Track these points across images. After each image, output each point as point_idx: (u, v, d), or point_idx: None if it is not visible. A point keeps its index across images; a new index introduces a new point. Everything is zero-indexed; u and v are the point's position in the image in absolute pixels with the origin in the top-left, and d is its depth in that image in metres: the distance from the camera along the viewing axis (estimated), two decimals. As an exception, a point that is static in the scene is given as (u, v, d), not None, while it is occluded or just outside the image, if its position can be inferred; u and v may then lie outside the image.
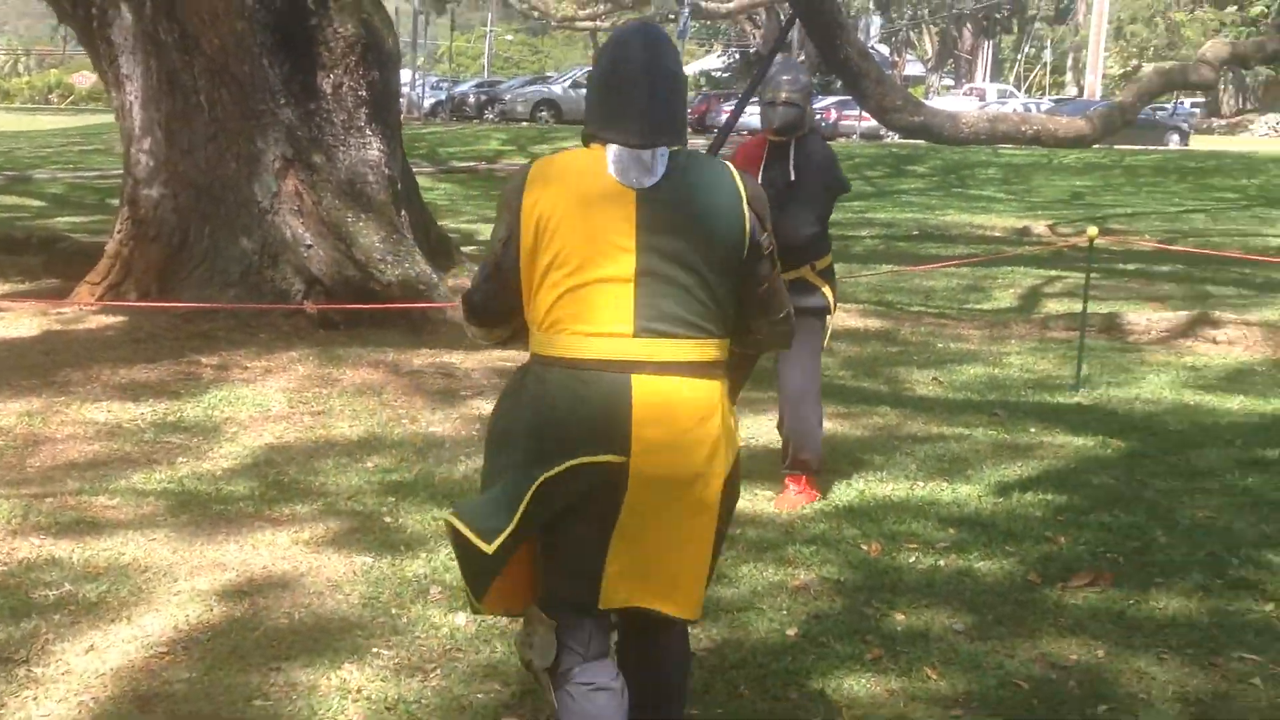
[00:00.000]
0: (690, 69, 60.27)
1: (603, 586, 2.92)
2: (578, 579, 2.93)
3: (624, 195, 2.89)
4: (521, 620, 3.05)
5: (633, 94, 2.94)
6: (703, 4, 46.79)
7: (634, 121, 2.93)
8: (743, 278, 2.97)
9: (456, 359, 8.02)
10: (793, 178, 5.50)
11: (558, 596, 2.98)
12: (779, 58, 5.87)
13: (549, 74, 55.04)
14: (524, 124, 38.68)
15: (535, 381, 2.92)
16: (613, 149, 2.92)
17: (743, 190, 2.97)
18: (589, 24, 52.09)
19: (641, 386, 2.84)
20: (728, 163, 3.05)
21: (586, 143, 3.02)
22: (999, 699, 3.82)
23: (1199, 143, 41.09)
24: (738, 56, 66.20)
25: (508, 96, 42.99)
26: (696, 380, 2.90)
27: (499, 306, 3.07)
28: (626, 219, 2.88)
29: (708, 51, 71.44)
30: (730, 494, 3.00)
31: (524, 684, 3.83)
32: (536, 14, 49.98)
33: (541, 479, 2.83)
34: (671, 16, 45.67)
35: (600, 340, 2.85)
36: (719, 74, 69.01)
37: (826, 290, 5.65)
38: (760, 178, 5.45)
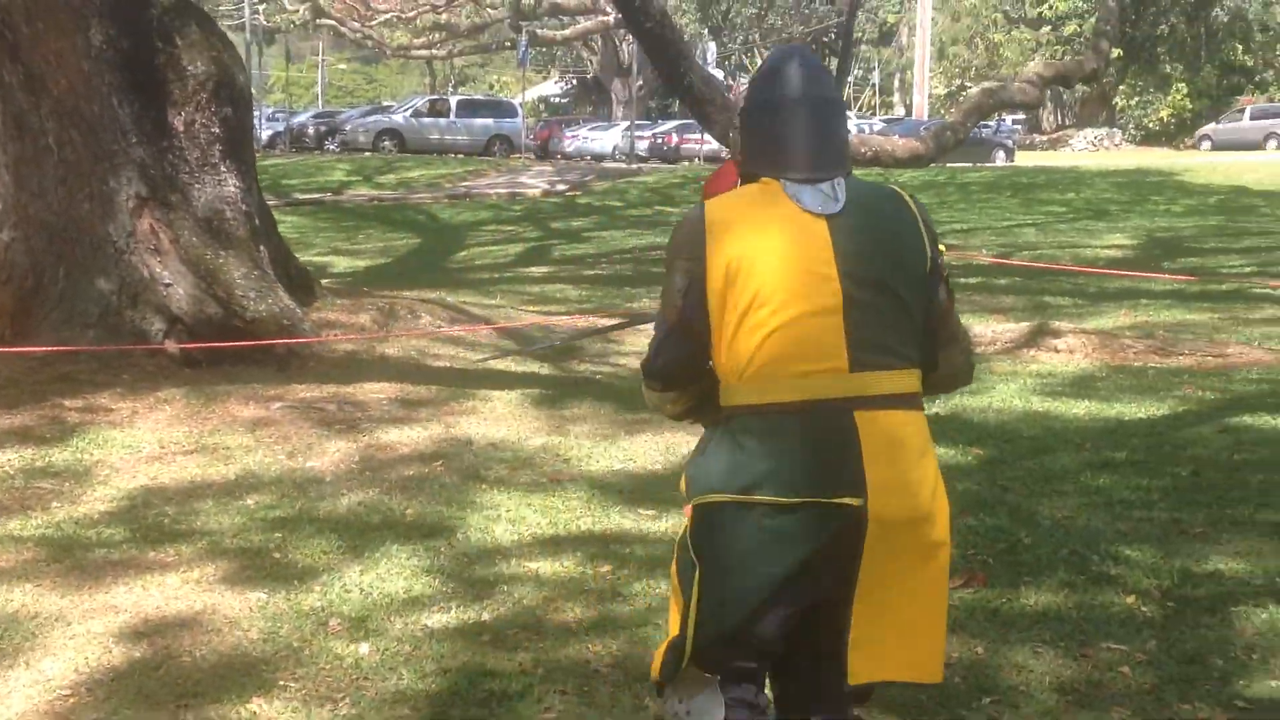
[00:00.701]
0: (529, 95, 60.43)
1: (849, 656, 2.75)
2: (765, 651, 2.80)
3: (815, 222, 2.76)
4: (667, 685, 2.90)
5: (799, 127, 2.83)
6: (539, 32, 47.12)
7: (805, 156, 2.81)
8: (929, 301, 2.83)
9: (328, 392, 8.00)
10: None
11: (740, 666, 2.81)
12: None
13: (388, 103, 54.62)
14: (366, 154, 38.35)
15: (746, 433, 2.73)
16: (789, 184, 2.80)
17: (916, 210, 2.86)
18: (424, 52, 51.97)
19: (865, 424, 2.69)
20: (894, 186, 2.95)
21: (749, 181, 2.89)
22: (891, 698, 3.99)
23: (1024, 158, 42.77)
24: (575, 82, 66.68)
25: (348, 127, 42.57)
26: (911, 413, 2.78)
27: (688, 366, 2.89)
28: (824, 246, 2.74)
29: (545, 78, 71.74)
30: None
31: (435, 709, 3.90)
32: (370, 43, 49.65)
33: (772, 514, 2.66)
34: (509, 44, 45.83)
35: (817, 378, 2.70)
36: (557, 100, 69.41)
37: None
38: None
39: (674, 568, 2.90)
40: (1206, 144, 47.45)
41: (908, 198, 2.88)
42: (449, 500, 6.04)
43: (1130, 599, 4.77)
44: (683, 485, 2.92)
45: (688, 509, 2.86)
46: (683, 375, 2.92)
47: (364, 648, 4.34)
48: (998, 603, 4.75)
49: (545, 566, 5.17)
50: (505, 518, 5.80)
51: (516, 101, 46.28)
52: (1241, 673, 4.14)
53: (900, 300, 2.77)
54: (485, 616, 4.66)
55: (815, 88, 2.88)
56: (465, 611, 4.70)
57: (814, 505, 2.68)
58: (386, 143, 40.55)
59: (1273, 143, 44.88)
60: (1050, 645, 4.38)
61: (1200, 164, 35.52)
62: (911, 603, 2.76)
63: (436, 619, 4.63)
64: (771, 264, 2.72)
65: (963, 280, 14.43)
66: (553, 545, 5.44)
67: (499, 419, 7.64)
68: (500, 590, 4.92)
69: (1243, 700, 3.95)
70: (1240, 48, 52.61)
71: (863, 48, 67.13)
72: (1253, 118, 47.53)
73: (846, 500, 2.66)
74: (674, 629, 2.90)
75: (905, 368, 2.77)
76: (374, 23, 46.73)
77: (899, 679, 2.83)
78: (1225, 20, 52.57)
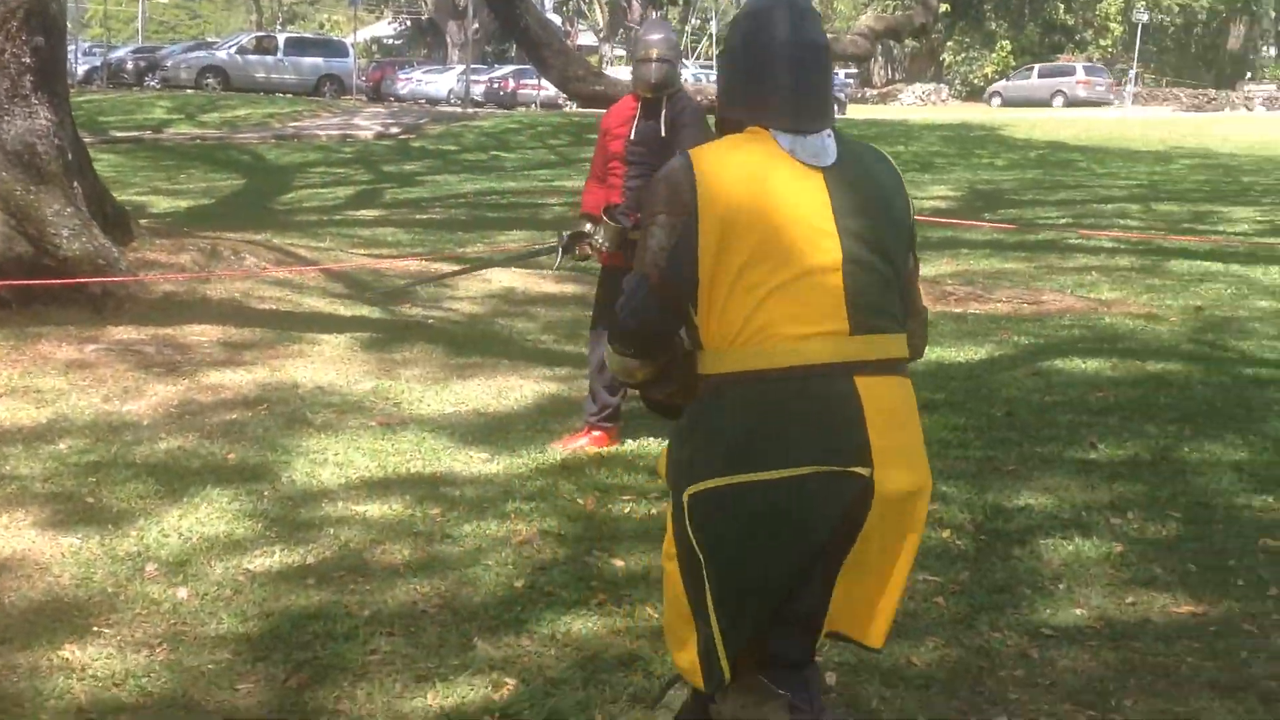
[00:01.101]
0: (361, 35, 59.06)
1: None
2: (807, 626, 2.62)
3: (812, 174, 2.60)
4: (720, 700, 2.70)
5: (790, 74, 2.65)
6: (372, -31, 46.05)
7: (796, 105, 2.64)
8: (904, 266, 2.71)
9: (146, 334, 7.73)
10: (663, 134, 5.65)
11: (784, 655, 2.64)
12: (647, 18, 6.24)
13: (212, 40, 52.77)
14: (189, 91, 37.01)
15: (739, 404, 2.53)
16: (780, 134, 2.63)
17: (898, 170, 2.76)
18: (252, -12, 50.28)
19: (867, 390, 2.53)
20: (873, 145, 2.81)
21: (732, 128, 2.72)
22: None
23: (855, 112, 43.50)
24: (409, 23, 65.42)
25: (170, 63, 40.97)
26: (905, 379, 2.65)
27: (664, 327, 2.67)
28: (822, 201, 2.57)
29: (378, 18, 70.22)
30: None
31: (257, 652, 3.83)
32: (197, -23, 47.88)
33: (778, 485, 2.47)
34: (340, -19, 44.62)
35: (818, 341, 2.52)
36: (391, 41, 68.03)
37: None
38: (633, 135, 5.74)
39: (672, 566, 2.71)
40: (997, 100, 49.40)
41: (888, 156, 2.79)
42: (273, 444, 5.91)
43: (946, 533, 4.93)
44: (663, 468, 2.75)
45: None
46: (660, 340, 2.70)
47: (182, 592, 4.23)
48: (821, 539, 4.85)
49: (372, 509, 5.11)
50: (332, 461, 5.70)
51: (348, 41, 45.20)
52: (1048, 601, 4.32)
53: (891, 261, 2.64)
54: (310, 559, 4.58)
55: (806, 32, 2.70)
56: (289, 555, 4.61)
57: (825, 476, 2.50)
58: (210, 80, 39.19)
59: (1059, 100, 46.95)
60: (870, 579, 4.50)
61: (1020, 119, 36.63)
62: (889, 569, 2.64)
63: (259, 562, 4.54)
64: (769, 219, 2.54)
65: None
66: (381, 488, 5.38)
67: (327, 363, 7.50)
68: (325, 533, 4.84)
69: (1049, 628, 4.13)
70: (1062, 7, 54.30)
71: (699, -3, 67.28)
72: (1040, 76, 49.69)
73: (857, 470, 2.51)
74: (685, 633, 2.70)
75: (899, 332, 2.64)
76: (198, -44, 45.04)
77: (854, 637, 2.70)
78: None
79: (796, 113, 2.65)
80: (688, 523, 2.63)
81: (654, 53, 5.69)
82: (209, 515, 4.97)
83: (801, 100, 2.66)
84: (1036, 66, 50.68)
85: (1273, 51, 57.30)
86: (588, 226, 5.91)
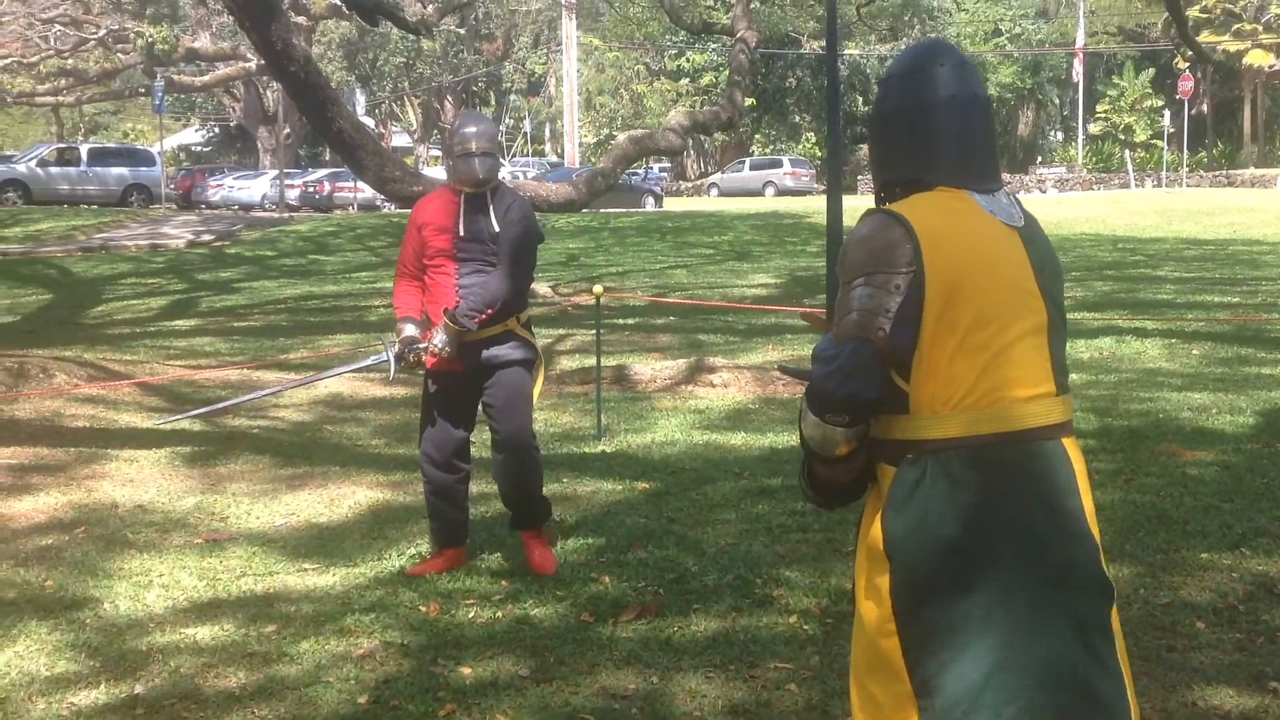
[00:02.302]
0: (168, 143, 57.97)
1: None
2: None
3: (1013, 236, 2.62)
4: None
5: (959, 129, 2.65)
6: (176, 78, 45.26)
7: (974, 161, 2.65)
8: None
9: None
10: (496, 229, 5.46)
11: None
12: (460, 112, 6.01)
13: (9, 152, 51.11)
14: (-12, 206, 35.70)
15: (973, 471, 2.50)
16: (974, 194, 2.63)
17: None
18: (50, 99, 48.96)
19: (1072, 451, 2.58)
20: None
21: (910, 188, 2.66)
22: (571, 734, 3.99)
23: (672, 204, 44.31)
24: (217, 130, 64.46)
25: (-34, 178, 39.53)
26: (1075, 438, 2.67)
27: (879, 394, 2.55)
28: (1024, 261, 2.60)
29: (185, 125, 69.03)
30: None
31: None
32: (-10, 89, 46.40)
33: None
34: (143, 90, 43.87)
35: (1038, 403, 2.54)
36: (199, 148, 66.91)
37: (533, 340, 5.67)
38: (462, 231, 5.45)
39: (891, 645, 2.58)
40: (714, 190, 53.14)
41: None
42: (93, 569, 5.63)
43: (793, 619, 4.94)
44: (880, 539, 2.61)
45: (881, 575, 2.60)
46: (877, 404, 2.57)
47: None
48: (669, 631, 4.82)
49: (203, 632, 4.88)
50: (158, 583, 5.45)
51: (154, 150, 44.23)
52: (898, 680, 4.35)
53: (1065, 319, 2.69)
54: (139, 689, 4.34)
55: (973, 86, 2.69)
56: (116, 686, 4.37)
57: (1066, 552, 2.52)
58: (10, 194, 37.91)
59: (770, 190, 50.15)
60: (720, 669, 4.47)
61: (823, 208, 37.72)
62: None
63: (84, 696, 4.28)
64: (990, 278, 2.54)
65: (620, 321, 14.75)
66: (210, 609, 5.15)
67: (146, 480, 7.20)
68: (154, 660, 4.60)
69: (900, 707, 4.14)
70: (860, 99, 56.39)
71: (512, 97, 68.06)
72: (752, 169, 53.20)
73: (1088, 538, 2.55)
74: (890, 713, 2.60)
75: (1070, 392, 2.69)
76: (-7, 67, 43.70)
77: None
78: (846, 74, 56.32)
79: (983, 171, 2.67)
80: (920, 598, 2.55)
81: (476, 145, 5.44)
82: (28, 649, 4.68)
83: (984, 158, 2.69)
84: (748, 160, 54.52)
85: (1060, 136, 60.50)
86: (410, 330, 5.56)
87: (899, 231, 2.56)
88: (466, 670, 4.48)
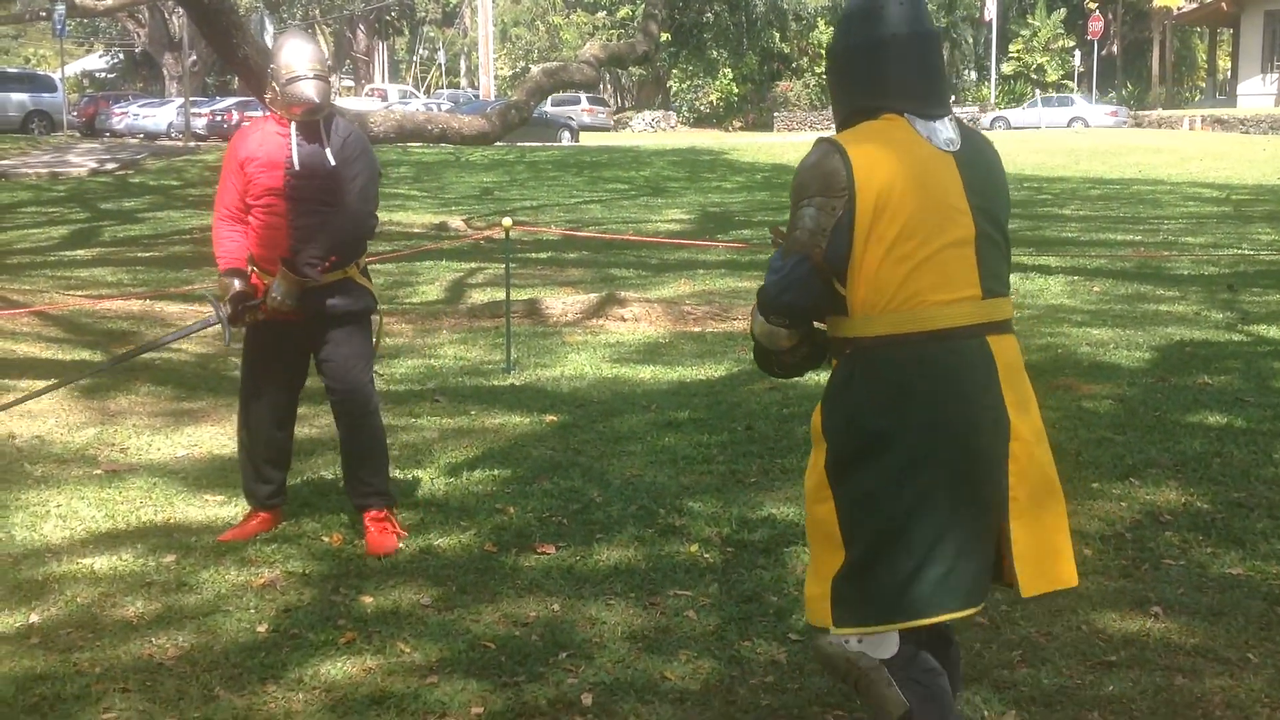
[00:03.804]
0: (71, 69, 56.31)
1: (1018, 569, 2.93)
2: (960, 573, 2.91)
3: (946, 159, 2.94)
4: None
5: (916, 63, 2.96)
6: (78, 1, 43.92)
7: (926, 92, 2.97)
8: None
9: None
10: (333, 163, 4.87)
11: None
12: (284, 36, 5.04)
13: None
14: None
15: (893, 367, 2.87)
16: (914, 120, 2.94)
17: (999, 155, 3.10)
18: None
19: (996, 347, 2.92)
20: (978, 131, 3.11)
21: (860, 116, 2.98)
22: (470, 661, 4.02)
23: (587, 139, 44.03)
24: (122, 56, 62.78)
25: None
26: (1014, 337, 3.02)
27: (819, 300, 2.96)
28: (955, 182, 2.92)
29: (88, 51, 67.13)
30: None
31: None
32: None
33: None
34: (44, 14, 42.53)
35: (958, 305, 2.88)
36: (103, 74, 65.14)
37: (371, 288, 5.16)
38: (296, 165, 4.85)
39: (826, 510, 3.00)
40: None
41: (992, 143, 3.11)
42: (-11, 499, 5.54)
43: (694, 547, 5.00)
44: (818, 422, 3.03)
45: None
46: (812, 310, 3.00)
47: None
48: (572, 561, 4.86)
49: (102, 562, 4.84)
50: (55, 514, 5.38)
51: (56, 76, 43.00)
52: (794, 608, 4.42)
53: (1004, 234, 3.02)
54: (34, 619, 4.30)
55: (923, 23, 2.99)
56: (10, 615, 4.32)
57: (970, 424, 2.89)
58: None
59: (565, 135, 50.00)
60: (622, 597, 4.53)
61: (745, 144, 37.81)
62: (1054, 518, 3.00)
63: (-24, 626, 4.23)
64: (916, 197, 2.86)
65: (533, 255, 14.69)
66: (110, 539, 5.10)
67: (44, 411, 7.08)
68: (51, 590, 4.56)
69: (795, 633, 4.22)
70: (778, 35, 56.30)
71: (426, 28, 67.05)
72: (553, 105, 52.29)
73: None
74: (828, 569, 3.00)
75: (1009, 295, 3.02)
76: (-116, -14, 42.06)
77: (1054, 589, 3.03)
78: (762, 10, 56.15)
79: (925, 99, 2.97)
80: (851, 464, 2.96)
81: (308, 67, 4.81)
82: (-83, 580, 4.61)
83: (928, 87, 2.99)
84: (550, 100, 53.99)
85: (974, 75, 60.89)
86: (238, 284, 4.94)
87: (837, 159, 2.90)
88: (368, 599, 4.49)
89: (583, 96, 51.98)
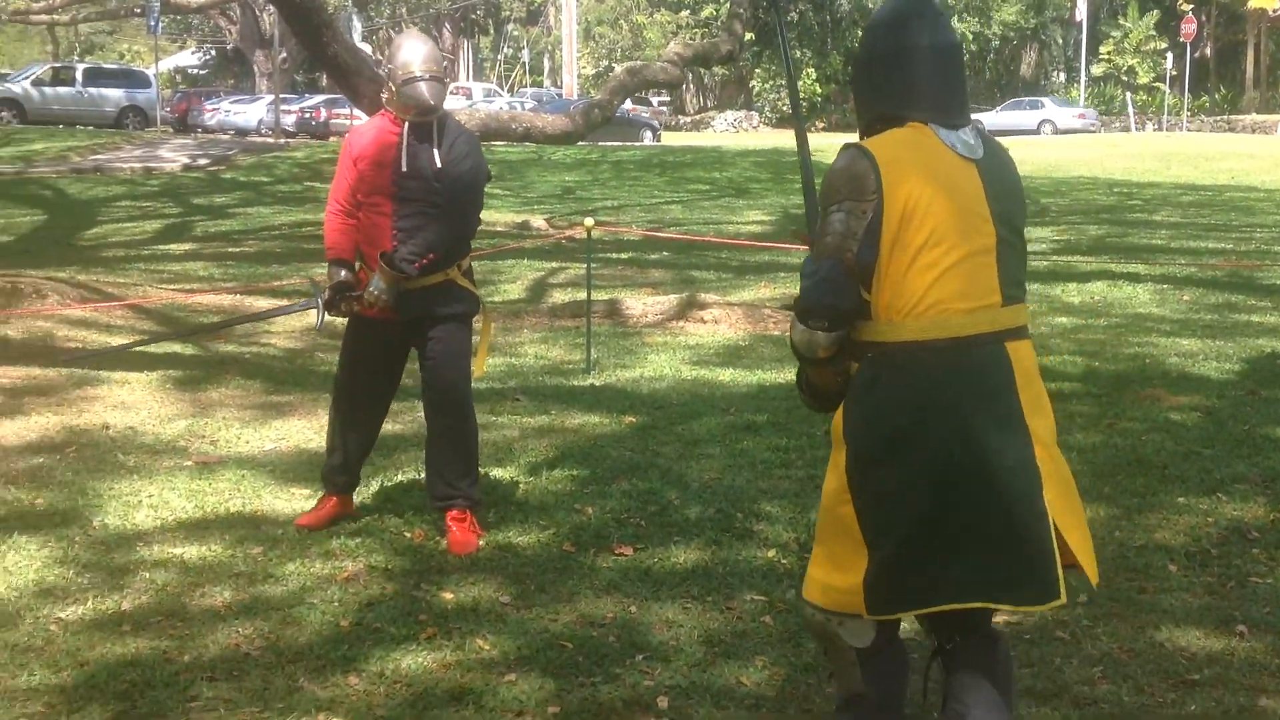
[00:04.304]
0: (164, 65, 57.42)
1: (1084, 565, 3.07)
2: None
3: (969, 167, 3.02)
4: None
5: (941, 73, 3.06)
6: (172, -1, 44.78)
7: (950, 102, 3.06)
8: None
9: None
10: (439, 165, 4.93)
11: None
12: (402, 36, 5.20)
13: (4, 71, 50.65)
14: (-18, 124, 35.47)
15: (916, 372, 2.95)
16: (937, 128, 3.02)
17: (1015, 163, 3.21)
18: (45, 17, 48.50)
19: (1014, 353, 3.00)
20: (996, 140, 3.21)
21: (885, 124, 3.06)
22: (547, 660, 4.06)
23: (670, 139, 44.06)
24: (214, 53, 63.87)
25: (-40, 96, 39.22)
26: (1030, 341, 3.11)
27: (856, 302, 3.00)
28: (978, 190, 3.00)
29: (181, 47, 68.37)
30: None
31: (71, 703, 3.66)
32: (-14, 6, 45.85)
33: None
34: (139, 10, 43.40)
35: (980, 313, 2.96)
36: (196, 71, 66.32)
37: (475, 291, 5.23)
38: (404, 165, 4.92)
39: (847, 511, 3.09)
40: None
41: (1008, 152, 3.23)
42: (83, 488, 5.69)
43: (771, 552, 5.01)
44: (839, 423, 3.11)
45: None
46: (851, 313, 3.02)
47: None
48: (649, 563, 4.89)
49: (190, 551, 4.96)
50: (147, 504, 5.52)
51: (150, 72, 43.86)
52: (872, 614, 4.42)
53: (1023, 241, 3.12)
54: (125, 605, 4.42)
55: (946, 34, 3.10)
56: (102, 601, 4.45)
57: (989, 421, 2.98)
58: (4, 113, 37.63)
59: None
60: (698, 600, 4.55)
61: (829, 145, 37.54)
62: (1079, 514, 3.11)
63: (71, 610, 4.36)
64: (943, 205, 2.93)
65: (614, 256, 14.75)
66: (199, 529, 5.22)
67: (138, 403, 7.25)
68: (141, 577, 4.68)
69: (873, 640, 4.21)
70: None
71: (511, 27, 67.47)
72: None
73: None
74: (848, 564, 3.12)
75: (1025, 301, 3.12)
76: (-13, -17, 43.18)
77: (1079, 563, 3.07)
78: (848, 9, 55.79)
79: (947, 108, 3.06)
80: (867, 465, 3.05)
81: (424, 68, 4.86)
82: (16, 564, 4.76)
83: (951, 97, 3.08)
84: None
85: (1063, 77, 60.08)
86: (343, 273, 5.09)
87: (865, 164, 2.97)
88: (448, 595, 4.56)
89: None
